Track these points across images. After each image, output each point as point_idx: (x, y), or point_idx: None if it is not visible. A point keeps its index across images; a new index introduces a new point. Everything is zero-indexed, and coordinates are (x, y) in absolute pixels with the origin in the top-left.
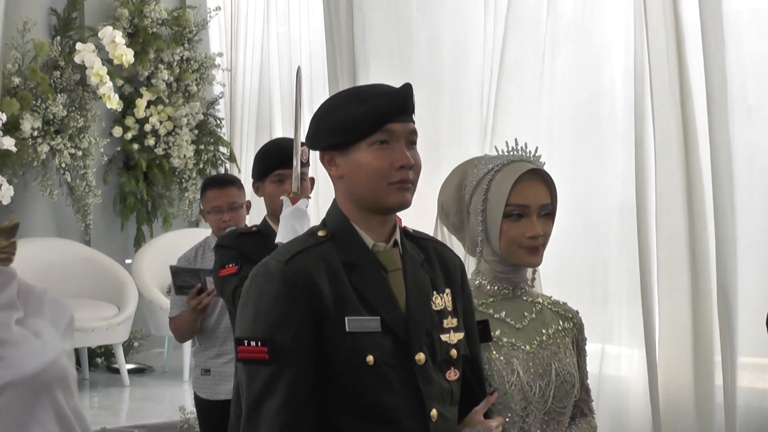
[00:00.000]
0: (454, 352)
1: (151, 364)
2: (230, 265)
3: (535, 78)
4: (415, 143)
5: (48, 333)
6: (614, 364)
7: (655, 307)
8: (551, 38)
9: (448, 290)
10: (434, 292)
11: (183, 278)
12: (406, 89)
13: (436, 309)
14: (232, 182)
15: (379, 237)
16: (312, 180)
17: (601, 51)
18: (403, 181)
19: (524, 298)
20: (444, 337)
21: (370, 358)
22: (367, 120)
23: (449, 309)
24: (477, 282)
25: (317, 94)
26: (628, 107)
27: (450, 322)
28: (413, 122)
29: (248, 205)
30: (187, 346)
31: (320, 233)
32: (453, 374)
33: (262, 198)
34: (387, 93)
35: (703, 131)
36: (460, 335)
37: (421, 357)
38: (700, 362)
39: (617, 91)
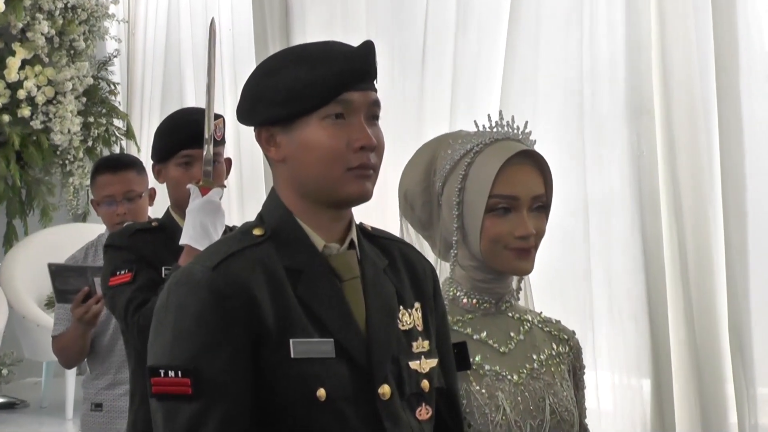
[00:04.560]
0: (425, 384)
1: (25, 397)
2: (122, 272)
3: (518, 45)
4: (377, 118)
5: None
6: (608, 396)
7: (658, 328)
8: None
9: (417, 304)
10: (401, 307)
11: (65, 280)
12: (367, 49)
13: (403, 329)
14: (130, 165)
15: (332, 237)
16: (228, 162)
17: (596, 16)
18: (362, 167)
19: (510, 314)
20: (413, 365)
21: (321, 392)
22: (318, 87)
23: (419, 328)
24: (451, 293)
25: (242, 57)
26: (625, 73)
27: (420, 345)
28: (375, 91)
29: (152, 193)
30: (72, 374)
31: (256, 231)
32: (425, 412)
33: (165, 185)
34: (343, 53)
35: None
36: (433, 362)
37: (386, 390)
38: (708, 395)
39: (615, 63)
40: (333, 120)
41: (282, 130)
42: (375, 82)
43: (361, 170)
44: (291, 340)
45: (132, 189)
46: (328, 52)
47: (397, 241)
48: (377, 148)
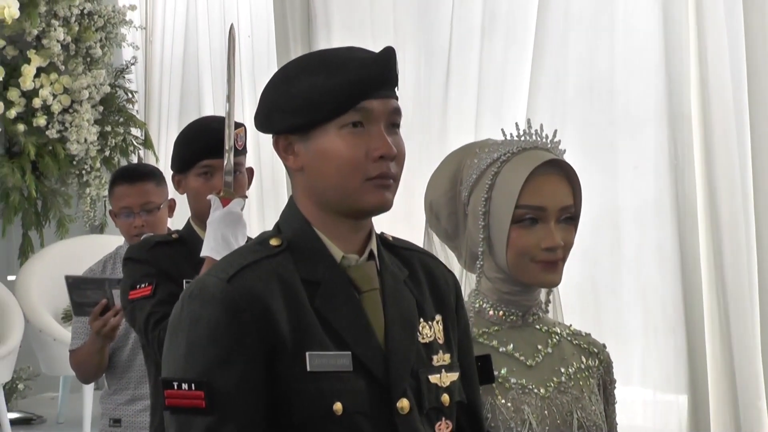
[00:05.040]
0: (446, 398)
1: (41, 412)
2: (142, 285)
3: (545, 50)
4: (398, 126)
5: None
6: (647, 413)
7: (694, 342)
8: None
9: (438, 317)
10: (421, 320)
11: (83, 292)
12: (388, 55)
13: (423, 341)
14: (148, 175)
15: (351, 247)
16: (250, 172)
17: (627, 19)
18: (382, 176)
19: (537, 326)
20: (433, 379)
21: (338, 406)
22: (336, 95)
23: (440, 341)
24: (476, 305)
25: (261, 64)
26: (661, 79)
27: (441, 358)
28: (396, 98)
29: (172, 204)
30: (89, 389)
31: (273, 242)
32: (444, 426)
33: (185, 196)
34: (362, 60)
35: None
36: (454, 376)
37: (404, 404)
38: (745, 411)
39: (648, 68)
40: (351, 128)
41: (300, 138)
42: (396, 89)
43: (380, 180)
44: (307, 353)
45: (150, 201)
46: (347, 58)
47: (418, 252)
48: (397, 157)
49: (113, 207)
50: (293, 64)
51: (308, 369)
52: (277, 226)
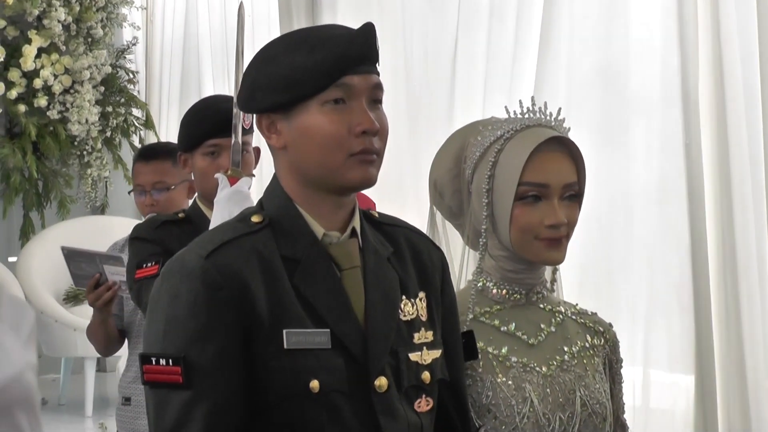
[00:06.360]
0: (426, 376)
1: (43, 394)
2: (149, 264)
3: (553, 31)
4: (380, 101)
5: (8, 341)
6: (654, 393)
7: (702, 323)
8: None
9: (422, 294)
10: (403, 297)
11: (78, 264)
12: (367, 30)
13: (405, 319)
14: (165, 155)
15: (333, 225)
16: (257, 151)
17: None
18: (365, 151)
19: (541, 305)
20: (414, 356)
21: (314, 384)
22: (317, 71)
23: (423, 319)
24: (480, 284)
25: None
26: (671, 59)
27: (423, 335)
28: (378, 74)
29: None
30: (91, 370)
31: (255, 218)
32: (424, 404)
33: (192, 174)
34: (342, 36)
35: None
36: (437, 353)
37: (382, 382)
38: (752, 391)
39: (658, 48)
40: (333, 105)
41: (282, 116)
42: (377, 64)
43: (363, 155)
44: (284, 331)
45: (161, 180)
46: (327, 35)
47: (404, 228)
48: (380, 132)
49: (132, 184)
50: (274, 43)
51: (285, 346)
52: (260, 203)
